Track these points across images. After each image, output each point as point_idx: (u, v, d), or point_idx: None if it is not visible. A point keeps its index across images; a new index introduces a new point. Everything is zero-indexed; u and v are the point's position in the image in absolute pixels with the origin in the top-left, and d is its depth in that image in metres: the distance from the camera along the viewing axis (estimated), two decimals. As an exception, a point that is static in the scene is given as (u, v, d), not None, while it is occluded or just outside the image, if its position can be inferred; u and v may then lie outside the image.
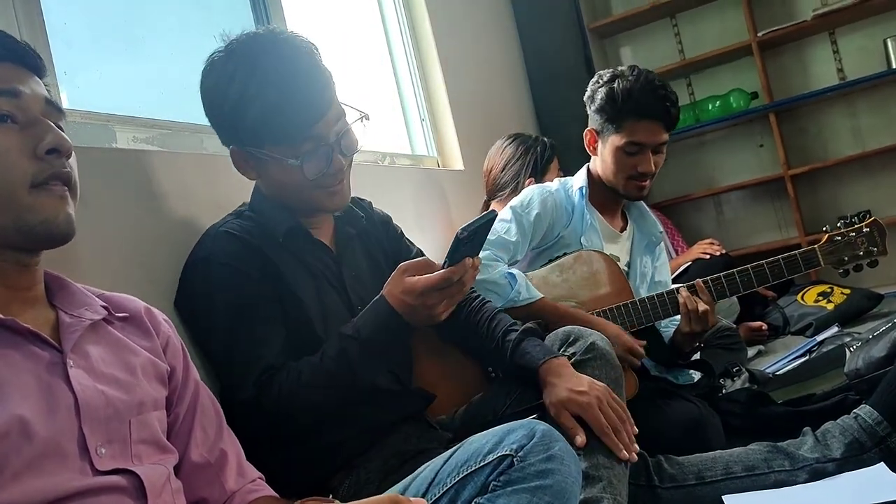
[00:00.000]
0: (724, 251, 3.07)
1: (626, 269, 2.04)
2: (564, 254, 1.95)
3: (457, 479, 0.99)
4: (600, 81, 1.96)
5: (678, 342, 1.89)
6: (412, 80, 2.86)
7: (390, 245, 1.61)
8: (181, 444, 1.05)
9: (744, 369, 2.22)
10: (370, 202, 1.64)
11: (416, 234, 1.74)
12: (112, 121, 1.48)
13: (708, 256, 2.98)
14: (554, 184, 2.05)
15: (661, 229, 2.14)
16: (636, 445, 1.29)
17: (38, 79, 0.95)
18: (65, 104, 1.35)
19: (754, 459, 1.42)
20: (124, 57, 1.71)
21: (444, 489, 0.99)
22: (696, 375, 1.96)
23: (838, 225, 1.83)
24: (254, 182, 1.44)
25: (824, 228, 1.86)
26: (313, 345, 1.31)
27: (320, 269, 1.41)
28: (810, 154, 3.78)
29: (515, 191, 2.47)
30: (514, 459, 0.98)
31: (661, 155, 1.98)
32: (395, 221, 1.67)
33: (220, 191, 1.54)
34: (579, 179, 2.04)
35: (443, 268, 1.22)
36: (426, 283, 1.20)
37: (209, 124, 1.37)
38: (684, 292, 1.80)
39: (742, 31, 3.68)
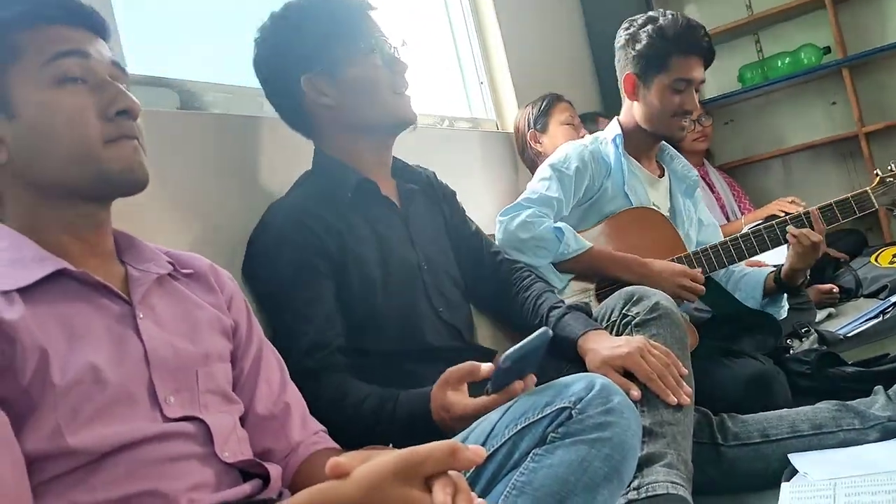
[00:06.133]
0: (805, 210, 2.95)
1: (668, 214, 2.04)
2: (613, 212, 1.95)
3: (514, 430, 0.98)
4: (635, 25, 1.96)
5: (789, 276, 1.91)
6: (470, 43, 2.83)
7: (452, 218, 1.64)
8: (246, 397, 1.08)
9: (812, 330, 2.16)
10: (434, 172, 1.66)
11: (476, 198, 1.75)
12: (174, 85, 1.51)
13: (783, 214, 2.88)
14: (587, 139, 2.05)
15: (697, 174, 2.16)
16: (687, 387, 1.29)
17: (103, 41, 0.98)
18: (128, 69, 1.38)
19: (822, 418, 1.39)
20: (187, 21, 1.74)
21: (503, 441, 0.99)
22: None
23: (889, 167, 1.86)
24: (313, 146, 1.48)
25: (875, 172, 1.89)
26: (374, 309, 1.34)
27: (387, 225, 1.43)
28: (887, 110, 3.60)
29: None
30: (573, 411, 0.97)
31: (698, 94, 2.01)
32: (453, 185, 1.69)
33: (280, 153, 1.56)
34: (611, 131, 2.04)
35: (486, 394, 1.10)
36: (464, 410, 1.11)
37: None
38: (793, 229, 1.82)
39: (814, -18, 3.52)
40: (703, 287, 1.77)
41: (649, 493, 1.15)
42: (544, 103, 2.64)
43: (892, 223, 1.85)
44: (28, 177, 0.92)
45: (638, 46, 1.94)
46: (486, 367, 1.11)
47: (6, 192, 0.93)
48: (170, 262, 1.06)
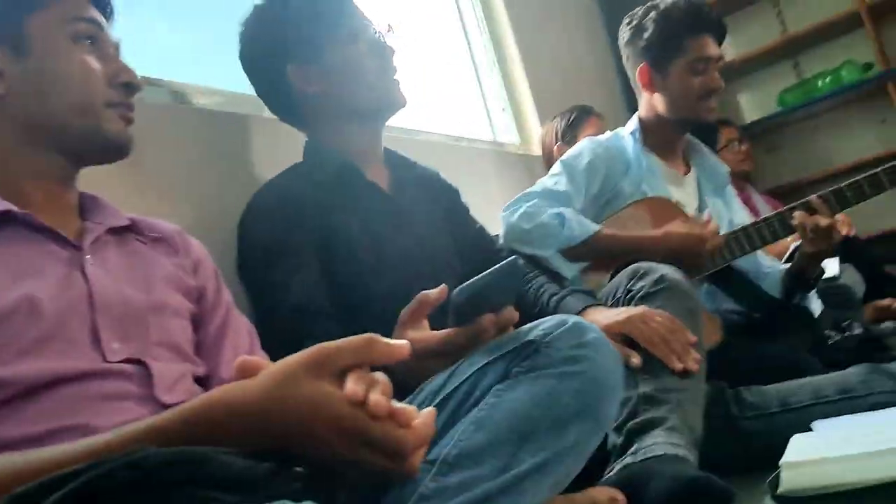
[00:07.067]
0: (848, 233, 2.77)
1: (695, 213, 1.91)
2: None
3: (476, 367, 0.91)
4: (637, 17, 1.92)
5: (802, 267, 1.82)
6: (490, 68, 2.83)
7: (455, 214, 1.60)
8: (211, 361, 1.05)
9: (856, 325, 1.99)
10: (438, 172, 1.64)
11: (495, 218, 1.74)
12: (175, 87, 1.52)
13: None
14: (605, 135, 1.97)
15: (728, 169, 2.05)
16: (695, 353, 1.18)
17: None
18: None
19: (851, 382, 1.25)
20: (186, 23, 1.76)
21: (463, 379, 0.91)
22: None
23: None
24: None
25: None
26: (367, 292, 1.29)
27: (373, 210, 1.39)
28: (941, 123, 3.44)
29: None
30: (540, 345, 0.89)
31: (718, 70, 1.91)
32: (472, 205, 1.67)
33: (274, 151, 1.56)
34: (629, 126, 1.96)
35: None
36: (427, 344, 1.01)
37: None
38: (799, 214, 1.73)
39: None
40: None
41: (647, 456, 1.05)
42: (573, 116, 2.56)
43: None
44: (21, 115, 0.93)
45: (646, 35, 1.88)
46: (434, 291, 1.02)
47: None
48: (130, 219, 1.05)
